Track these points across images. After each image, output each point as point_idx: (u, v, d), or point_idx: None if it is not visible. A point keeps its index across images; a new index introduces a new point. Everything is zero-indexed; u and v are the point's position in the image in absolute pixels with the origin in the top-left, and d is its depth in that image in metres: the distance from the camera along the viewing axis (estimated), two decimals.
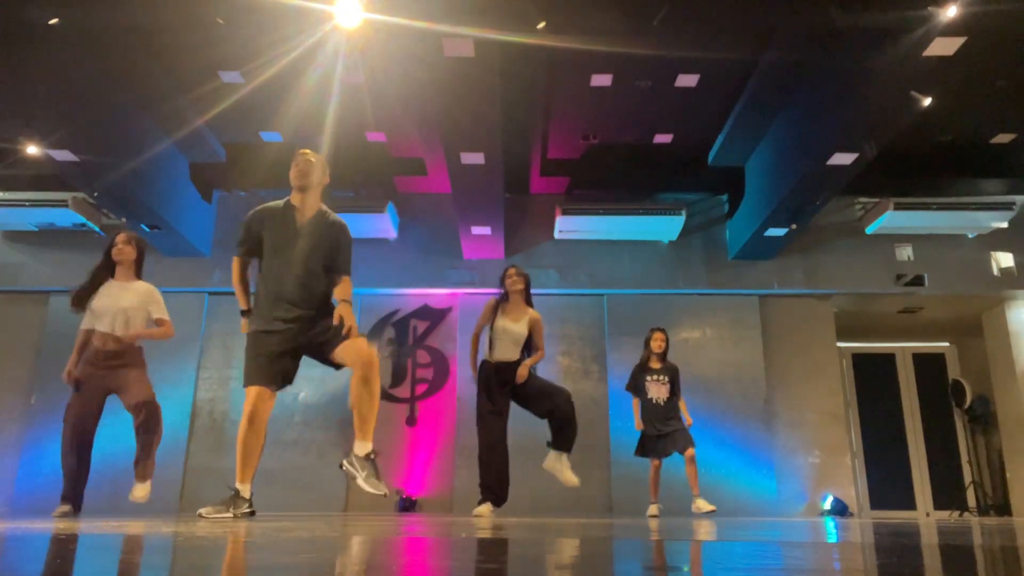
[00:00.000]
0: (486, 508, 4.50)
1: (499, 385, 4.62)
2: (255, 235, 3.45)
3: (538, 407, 4.63)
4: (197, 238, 7.04)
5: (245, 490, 3.32)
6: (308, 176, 3.41)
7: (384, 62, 5.29)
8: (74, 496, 4.02)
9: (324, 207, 3.51)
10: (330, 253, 3.41)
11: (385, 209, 6.77)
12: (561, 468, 4.63)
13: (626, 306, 7.21)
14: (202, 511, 3.29)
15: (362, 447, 3.23)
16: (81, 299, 4.13)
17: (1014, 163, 6.86)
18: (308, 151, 3.49)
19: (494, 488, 4.53)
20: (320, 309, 3.34)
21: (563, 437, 4.60)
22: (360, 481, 3.17)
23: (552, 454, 4.67)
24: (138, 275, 4.30)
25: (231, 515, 3.26)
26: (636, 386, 5.75)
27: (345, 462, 3.25)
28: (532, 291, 4.89)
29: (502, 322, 4.71)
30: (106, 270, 4.23)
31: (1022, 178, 7.06)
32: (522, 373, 4.60)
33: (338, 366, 3.34)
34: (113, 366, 4.05)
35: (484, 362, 4.73)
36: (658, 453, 5.54)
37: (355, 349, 3.22)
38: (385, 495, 3.16)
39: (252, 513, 3.37)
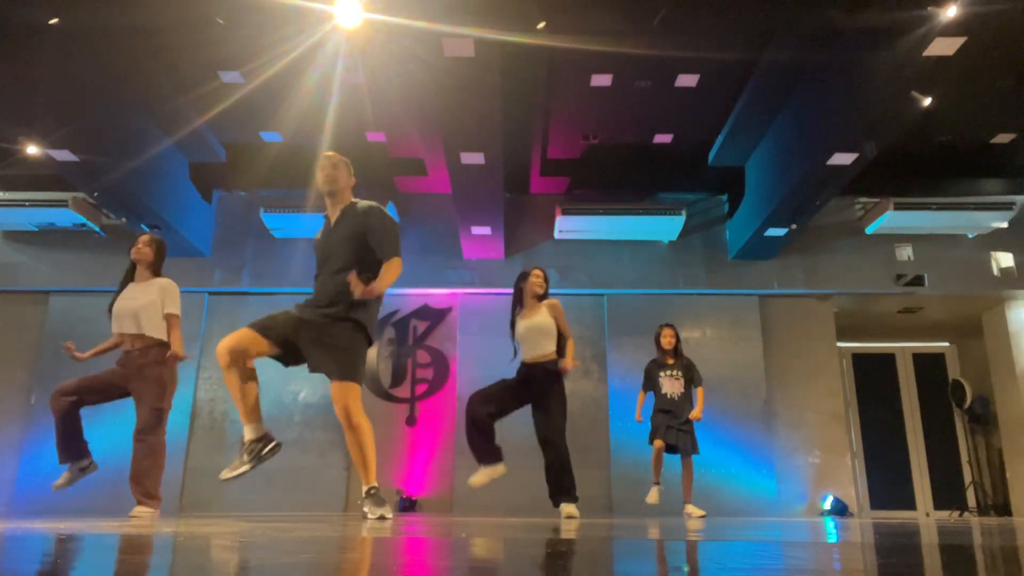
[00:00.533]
0: (482, 475, 4.41)
1: (525, 379, 4.56)
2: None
3: (535, 417, 4.54)
4: (197, 238, 7.04)
5: (254, 431, 3.29)
6: (335, 181, 3.41)
7: (384, 62, 5.29)
8: (77, 453, 4.02)
9: (353, 199, 3.48)
10: (361, 241, 3.31)
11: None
12: (568, 509, 4.46)
13: (626, 306, 7.21)
14: (221, 475, 3.30)
15: (364, 488, 3.29)
16: (111, 306, 4.21)
17: (1014, 163, 6.86)
18: (332, 154, 3.47)
19: (477, 442, 4.43)
20: (335, 314, 3.23)
21: (561, 484, 4.45)
22: (369, 514, 3.24)
23: (563, 508, 4.47)
24: (157, 275, 4.34)
25: (248, 467, 3.26)
26: (649, 382, 5.73)
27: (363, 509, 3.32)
28: None
29: (523, 324, 4.62)
30: (129, 272, 4.28)
31: (1022, 178, 7.06)
32: (568, 363, 4.51)
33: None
34: (139, 364, 4.08)
35: (522, 364, 4.65)
36: (667, 439, 5.52)
37: (335, 398, 3.25)
38: (379, 517, 3.18)
39: (275, 447, 3.34)
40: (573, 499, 4.44)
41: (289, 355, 3.33)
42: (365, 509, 3.27)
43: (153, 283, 4.24)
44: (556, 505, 4.52)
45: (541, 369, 4.53)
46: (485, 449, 4.45)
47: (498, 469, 4.45)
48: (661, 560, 1.42)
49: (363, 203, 3.44)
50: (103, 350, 4.27)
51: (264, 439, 3.32)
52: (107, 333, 4.27)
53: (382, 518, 3.18)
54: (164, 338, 4.17)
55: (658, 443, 5.54)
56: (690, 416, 5.55)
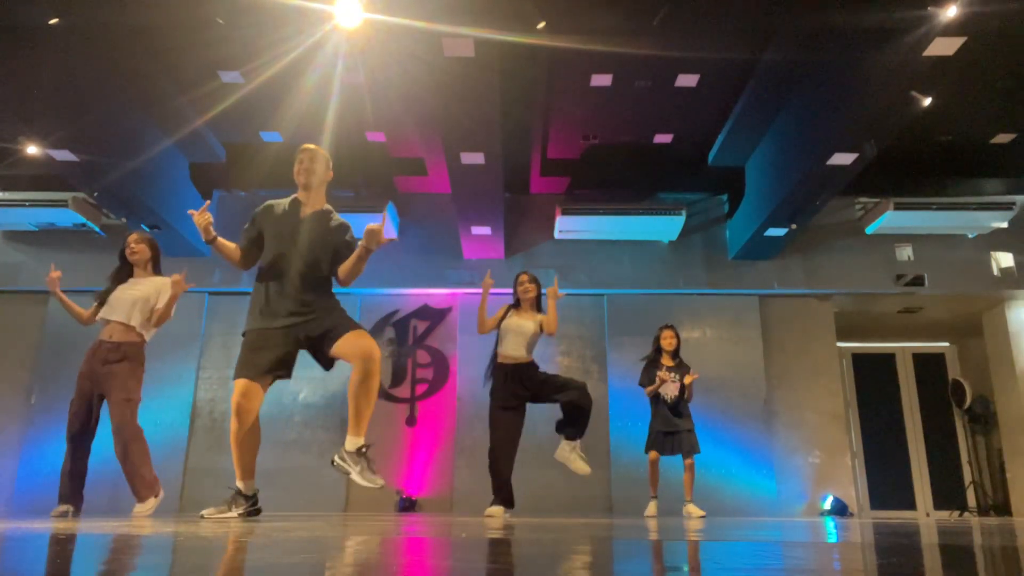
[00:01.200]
0: (498, 509, 4.46)
1: (515, 384, 4.58)
2: (257, 227, 3.44)
3: (555, 397, 4.56)
4: (197, 238, 7.03)
5: (245, 487, 3.30)
6: (311, 174, 3.40)
7: (384, 62, 5.29)
8: (71, 496, 4.02)
9: (329, 206, 3.49)
10: (334, 254, 3.35)
11: (385, 209, 6.73)
12: (573, 458, 4.57)
13: (626, 306, 7.21)
14: (204, 512, 3.28)
15: (353, 442, 3.13)
16: (103, 299, 4.22)
17: (1014, 163, 6.86)
18: (311, 146, 3.46)
19: (501, 489, 4.50)
20: (320, 306, 3.27)
21: (575, 426, 4.55)
22: (355, 476, 3.08)
23: (564, 445, 4.60)
24: (156, 273, 4.35)
25: (234, 515, 3.25)
26: (649, 379, 5.71)
27: (336, 458, 3.14)
28: None
29: (513, 320, 4.71)
30: (124, 271, 4.29)
31: (1022, 178, 7.06)
32: (554, 290, 4.64)
33: (330, 363, 3.29)
34: (110, 360, 4.07)
35: (498, 364, 4.69)
36: (663, 449, 5.53)
37: (356, 343, 3.14)
38: (381, 487, 3.08)
39: (257, 511, 3.35)
40: (576, 437, 4.54)
41: (288, 368, 3.32)
42: (351, 466, 3.09)
43: (153, 280, 4.27)
44: (560, 431, 4.59)
45: (524, 370, 4.60)
46: (504, 495, 4.51)
47: (506, 512, 4.50)
48: (661, 560, 1.42)
49: (337, 217, 3.45)
50: (71, 308, 4.25)
51: (255, 499, 3.34)
52: None
53: (381, 487, 3.09)
54: (143, 338, 4.20)
55: (652, 455, 5.55)
56: (684, 381, 5.54)
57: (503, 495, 4.50)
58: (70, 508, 3.98)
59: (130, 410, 4.04)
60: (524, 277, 4.85)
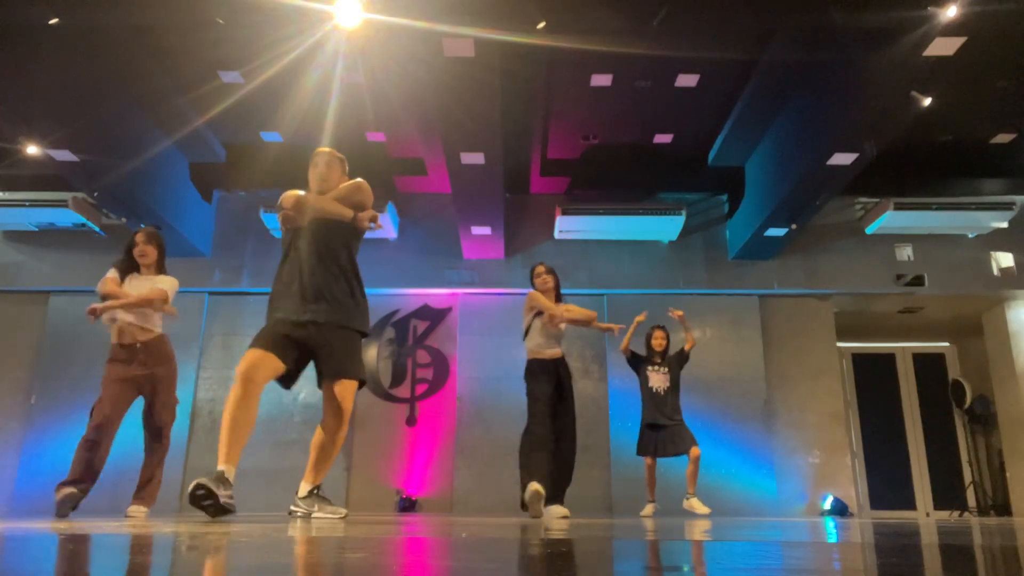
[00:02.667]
0: (557, 510, 4.24)
1: (547, 376, 4.44)
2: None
3: (557, 422, 4.45)
4: (197, 238, 7.04)
5: (230, 472, 2.85)
6: (327, 180, 3.33)
7: (384, 62, 5.29)
8: (84, 476, 3.88)
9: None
10: (348, 230, 3.26)
11: (385, 209, 6.77)
12: (553, 514, 4.26)
13: (626, 306, 7.20)
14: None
15: (305, 487, 3.12)
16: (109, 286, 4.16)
17: (1014, 163, 6.86)
18: (326, 150, 3.39)
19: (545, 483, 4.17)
20: (336, 314, 3.11)
21: (562, 485, 4.41)
22: (316, 515, 3.01)
23: (546, 511, 4.31)
24: (162, 270, 4.34)
25: (222, 496, 2.77)
26: (637, 365, 5.73)
27: (291, 507, 3.09)
28: None
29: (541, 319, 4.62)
30: (129, 263, 4.23)
31: (1022, 178, 7.07)
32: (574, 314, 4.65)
33: (293, 383, 3.24)
34: (150, 363, 4.10)
35: (530, 360, 4.53)
36: (657, 451, 5.50)
37: (339, 398, 3.08)
38: (344, 516, 3.06)
39: (232, 509, 2.84)
40: (561, 502, 4.40)
41: (295, 371, 3.18)
42: (310, 508, 3.05)
43: (159, 279, 4.25)
44: (546, 504, 4.43)
45: (563, 365, 4.56)
46: (551, 490, 4.24)
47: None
48: (661, 560, 1.42)
49: None
50: (116, 298, 4.17)
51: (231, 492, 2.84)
52: (107, 334, 4.27)
53: (343, 517, 3.04)
54: (161, 331, 4.24)
55: (648, 461, 5.55)
56: (676, 315, 5.71)
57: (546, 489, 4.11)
58: (76, 490, 3.87)
59: (172, 415, 4.21)
60: (540, 268, 4.69)
